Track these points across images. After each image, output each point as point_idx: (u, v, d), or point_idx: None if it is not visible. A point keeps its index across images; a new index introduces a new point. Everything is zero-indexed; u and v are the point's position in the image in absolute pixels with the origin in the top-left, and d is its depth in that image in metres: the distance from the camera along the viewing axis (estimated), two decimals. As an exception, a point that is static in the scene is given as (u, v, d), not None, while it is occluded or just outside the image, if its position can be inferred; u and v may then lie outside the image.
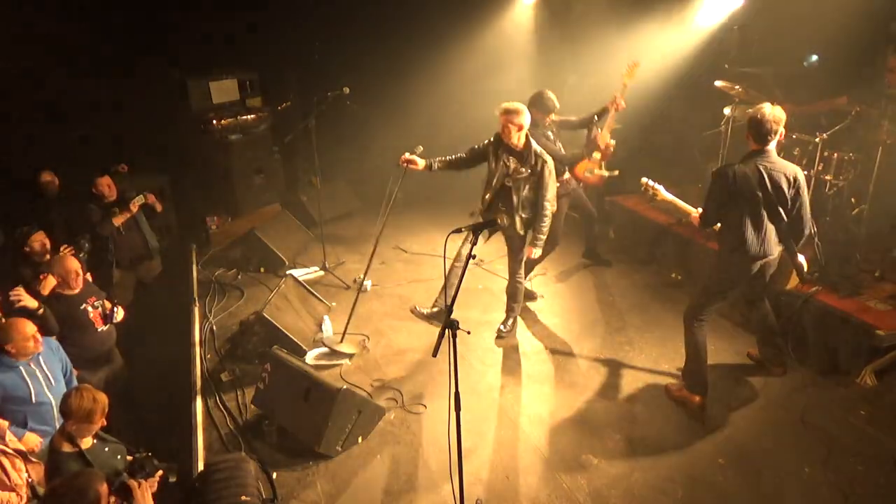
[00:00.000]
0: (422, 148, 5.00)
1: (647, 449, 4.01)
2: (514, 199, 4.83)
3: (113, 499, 2.75)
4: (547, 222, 4.87)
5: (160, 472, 3.13)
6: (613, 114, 5.56)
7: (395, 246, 7.15)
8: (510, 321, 5.36)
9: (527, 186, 4.81)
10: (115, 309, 4.75)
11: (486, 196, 4.97)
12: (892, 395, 4.42)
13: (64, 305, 4.48)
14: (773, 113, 3.83)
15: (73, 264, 4.54)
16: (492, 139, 4.90)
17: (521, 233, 4.93)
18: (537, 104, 5.34)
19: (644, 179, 4.49)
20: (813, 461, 3.86)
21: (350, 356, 5.05)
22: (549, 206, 4.84)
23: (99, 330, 4.65)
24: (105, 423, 3.25)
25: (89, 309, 4.61)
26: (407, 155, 4.90)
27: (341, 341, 5.16)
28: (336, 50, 8.61)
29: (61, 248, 4.96)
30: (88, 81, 6.98)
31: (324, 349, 5.09)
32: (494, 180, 4.89)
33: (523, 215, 4.87)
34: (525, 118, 4.68)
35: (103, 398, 3.22)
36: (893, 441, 4.01)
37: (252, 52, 8.06)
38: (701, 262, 6.03)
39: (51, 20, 6.68)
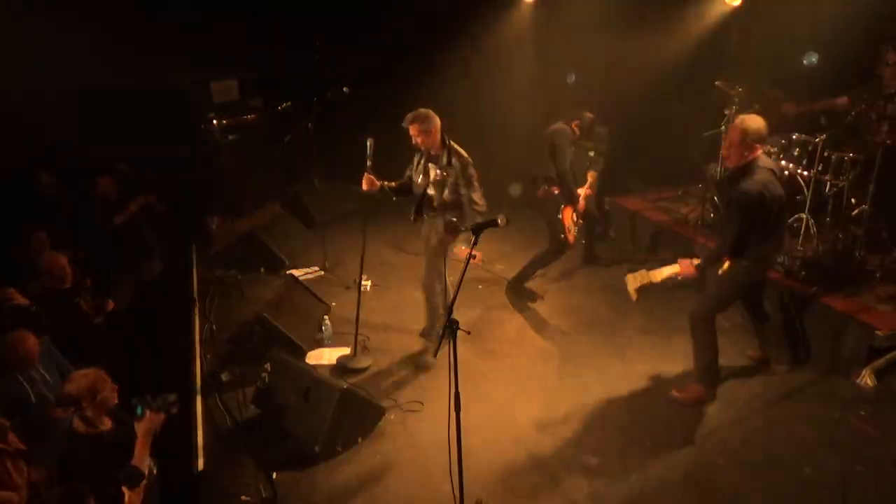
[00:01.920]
0: (371, 140, 4.74)
1: (647, 449, 4.00)
2: (435, 203, 4.68)
3: None
4: (469, 214, 4.60)
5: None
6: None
7: (396, 246, 7.15)
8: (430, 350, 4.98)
9: (446, 189, 4.63)
10: (105, 301, 4.79)
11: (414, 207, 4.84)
12: (892, 395, 4.42)
13: (57, 301, 4.49)
14: (761, 119, 3.94)
15: (60, 260, 4.57)
16: (415, 155, 4.79)
17: (438, 237, 4.77)
18: (582, 118, 5.68)
19: (630, 286, 4.28)
20: (813, 461, 3.85)
21: (366, 369, 4.96)
22: (480, 202, 4.63)
23: (96, 321, 4.68)
24: (115, 399, 3.29)
25: (81, 303, 4.63)
26: (366, 180, 4.71)
27: (354, 354, 5.03)
28: (336, 50, 8.61)
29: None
30: (88, 81, 6.98)
31: (339, 363, 5.00)
32: (417, 189, 4.77)
33: (448, 217, 4.67)
34: (429, 123, 4.56)
35: (94, 371, 3.27)
36: (893, 441, 4.01)
37: (252, 52, 8.06)
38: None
39: (51, 20, 6.68)
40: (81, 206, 5.69)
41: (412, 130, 4.62)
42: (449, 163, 4.63)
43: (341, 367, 4.95)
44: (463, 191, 4.65)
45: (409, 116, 4.61)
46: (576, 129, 5.67)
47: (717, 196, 6.15)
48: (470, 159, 4.67)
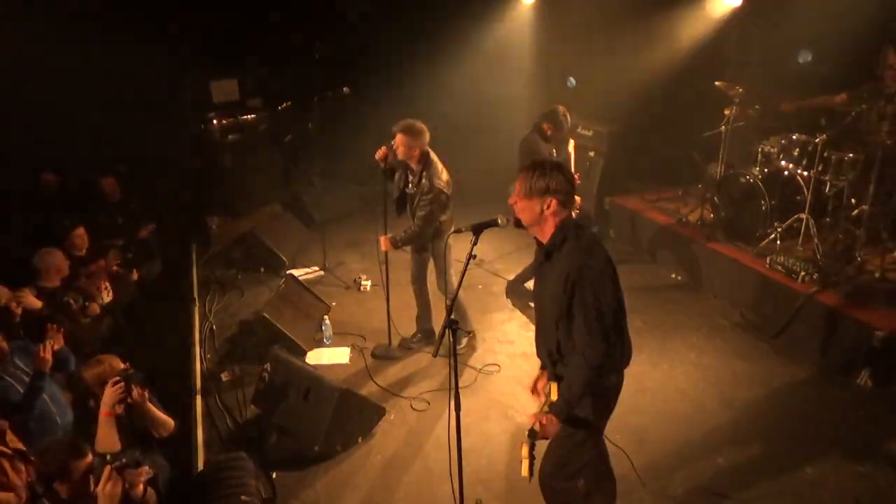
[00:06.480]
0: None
1: (647, 449, 4.00)
2: (408, 211, 4.76)
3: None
4: (411, 234, 4.67)
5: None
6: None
7: (396, 245, 7.15)
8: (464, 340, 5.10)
9: (414, 202, 4.64)
10: (87, 304, 4.84)
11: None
12: (892, 395, 4.42)
13: (46, 298, 4.50)
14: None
15: (56, 258, 4.59)
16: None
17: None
18: (551, 119, 5.45)
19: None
20: (813, 461, 3.85)
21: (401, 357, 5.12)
22: (420, 222, 4.59)
23: (83, 321, 4.69)
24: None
25: (71, 302, 4.64)
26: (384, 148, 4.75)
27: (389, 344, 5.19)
28: (336, 50, 8.62)
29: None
30: (89, 81, 6.98)
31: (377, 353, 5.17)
32: (395, 188, 4.83)
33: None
34: (416, 141, 4.46)
35: (107, 357, 3.38)
36: (893, 441, 4.01)
37: (252, 52, 8.06)
38: (701, 262, 6.03)
39: (51, 20, 6.69)
40: (82, 207, 5.70)
41: (397, 139, 4.50)
42: (419, 181, 4.58)
43: (380, 356, 5.09)
44: (419, 213, 4.58)
45: (402, 125, 4.49)
46: (548, 129, 5.49)
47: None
48: (440, 191, 4.52)
